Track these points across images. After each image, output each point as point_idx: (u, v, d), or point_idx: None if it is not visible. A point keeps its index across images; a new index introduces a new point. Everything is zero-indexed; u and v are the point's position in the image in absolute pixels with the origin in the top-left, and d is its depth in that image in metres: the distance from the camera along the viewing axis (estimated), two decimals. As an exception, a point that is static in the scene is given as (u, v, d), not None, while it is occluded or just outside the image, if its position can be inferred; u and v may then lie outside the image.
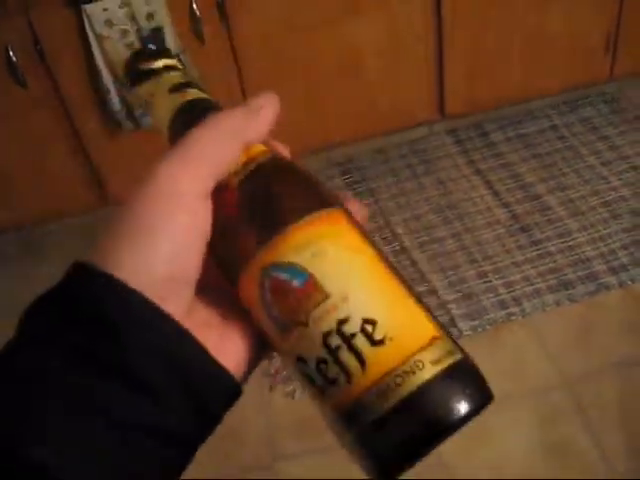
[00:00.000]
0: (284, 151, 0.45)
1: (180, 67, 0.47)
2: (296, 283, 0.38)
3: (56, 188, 1.96)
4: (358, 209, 0.43)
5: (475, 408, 0.37)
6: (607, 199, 2.02)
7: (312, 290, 0.37)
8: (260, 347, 0.42)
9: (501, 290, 1.85)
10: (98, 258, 0.38)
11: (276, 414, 1.69)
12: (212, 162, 0.40)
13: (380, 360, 0.37)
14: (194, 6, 1.72)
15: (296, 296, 0.38)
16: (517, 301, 1.82)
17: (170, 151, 0.40)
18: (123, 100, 1.78)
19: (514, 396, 1.64)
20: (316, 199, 0.41)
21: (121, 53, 1.69)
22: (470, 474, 1.52)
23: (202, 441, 0.39)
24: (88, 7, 1.64)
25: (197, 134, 0.40)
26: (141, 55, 0.47)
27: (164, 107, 0.45)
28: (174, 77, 0.46)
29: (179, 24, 1.73)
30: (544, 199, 2.05)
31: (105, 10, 1.64)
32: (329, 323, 0.37)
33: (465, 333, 1.75)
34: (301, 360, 0.38)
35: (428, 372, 0.37)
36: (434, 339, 0.38)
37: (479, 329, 1.77)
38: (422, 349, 0.37)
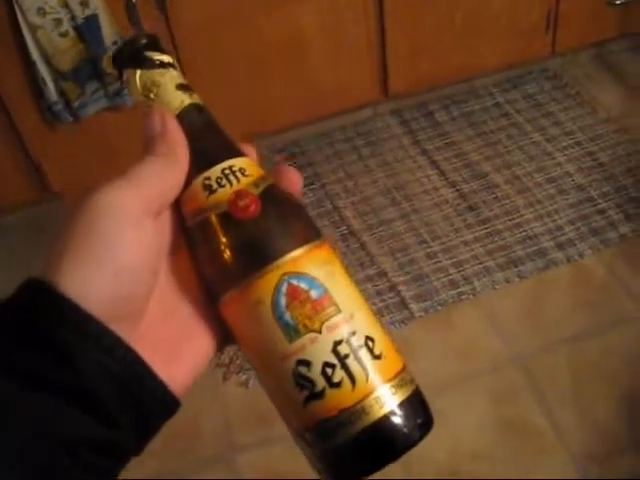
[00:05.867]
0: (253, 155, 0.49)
1: (177, 67, 0.48)
2: (314, 294, 0.42)
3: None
4: (294, 178, 0.47)
5: (428, 430, 0.44)
6: (552, 175, 2.03)
7: (328, 303, 0.43)
8: (220, 347, 0.46)
9: (451, 270, 1.85)
10: (51, 273, 0.38)
11: (231, 405, 1.67)
12: (157, 187, 0.43)
13: (378, 371, 0.42)
14: (130, -8, 1.67)
15: (313, 305, 0.42)
16: (467, 280, 1.82)
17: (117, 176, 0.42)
18: (60, 91, 1.73)
19: (467, 376, 1.64)
20: (317, 227, 0.47)
21: (55, 43, 1.64)
22: (424, 455, 1.52)
23: (139, 452, 0.41)
24: (19, -6, 1.58)
25: (143, 163, 0.43)
26: (143, 41, 0.47)
27: (169, 101, 0.47)
28: (179, 76, 0.48)
29: (115, 11, 1.67)
30: (490, 177, 2.05)
31: (37, -2, 1.59)
32: (341, 333, 0.42)
33: (417, 315, 1.75)
34: (303, 363, 0.42)
35: (409, 388, 0.44)
36: (404, 365, 0.45)
37: (430, 310, 1.77)
38: (402, 371, 0.44)
